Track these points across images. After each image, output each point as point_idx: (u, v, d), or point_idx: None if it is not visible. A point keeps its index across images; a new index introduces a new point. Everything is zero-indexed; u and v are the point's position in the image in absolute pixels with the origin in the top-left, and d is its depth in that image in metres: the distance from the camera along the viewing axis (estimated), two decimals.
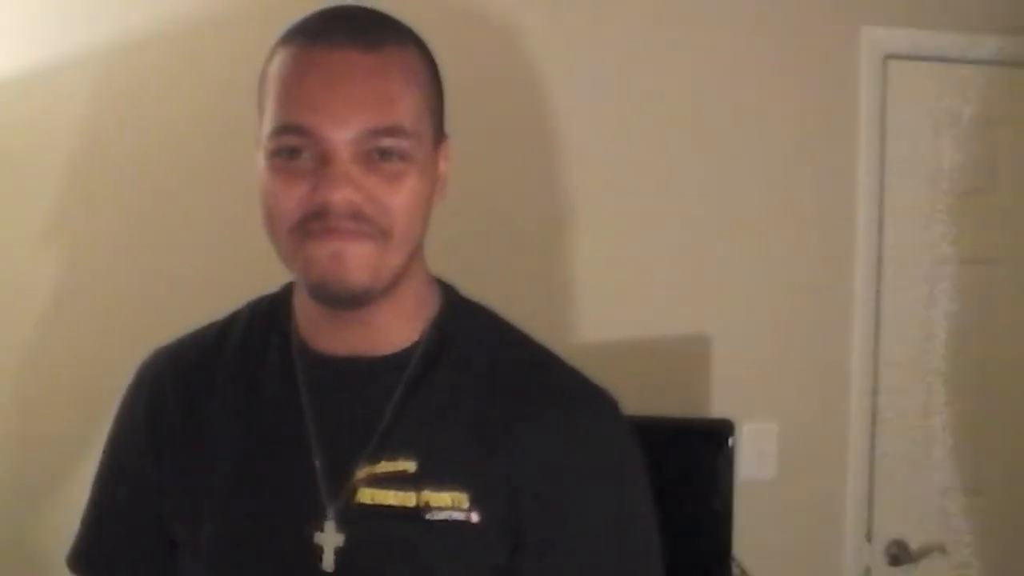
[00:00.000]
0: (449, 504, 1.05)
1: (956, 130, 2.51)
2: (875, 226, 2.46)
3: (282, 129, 1.02)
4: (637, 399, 2.26)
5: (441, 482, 1.05)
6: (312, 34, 1.04)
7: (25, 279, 2.06)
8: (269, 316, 1.19)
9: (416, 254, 1.12)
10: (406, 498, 1.05)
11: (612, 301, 2.32)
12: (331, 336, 1.11)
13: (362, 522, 1.05)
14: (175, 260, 2.12)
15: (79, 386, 2.08)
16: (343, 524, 1.05)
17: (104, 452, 1.23)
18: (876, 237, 2.46)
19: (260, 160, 1.04)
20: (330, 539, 1.05)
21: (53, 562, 2.07)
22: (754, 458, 2.39)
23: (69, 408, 2.07)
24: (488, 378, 1.11)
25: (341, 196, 0.99)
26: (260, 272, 2.17)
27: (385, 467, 1.06)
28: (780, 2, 2.40)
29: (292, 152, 1.01)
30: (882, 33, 2.45)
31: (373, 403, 1.09)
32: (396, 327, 1.11)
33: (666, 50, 2.34)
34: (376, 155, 1.01)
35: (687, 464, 2.00)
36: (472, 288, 2.28)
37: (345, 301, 1.04)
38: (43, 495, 2.07)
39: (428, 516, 1.04)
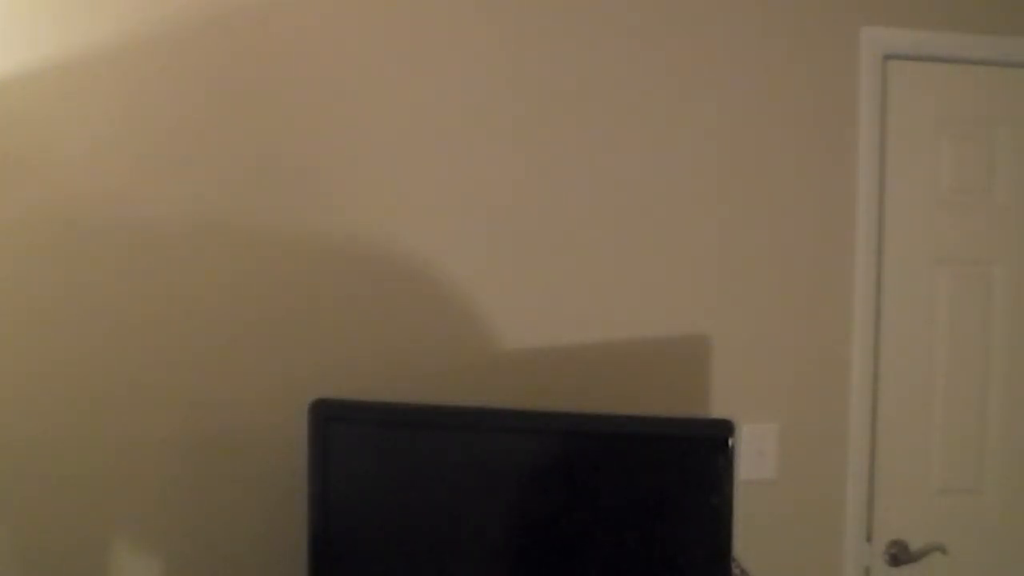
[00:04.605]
0: None
1: (956, 130, 2.51)
2: (875, 226, 2.46)
3: None
4: (637, 399, 2.28)
5: None
6: None
7: (26, 279, 2.06)
8: None
9: None
10: None
11: (612, 301, 2.32)
12: None
13: None
14: (176, 260, 2.12)
15: (79, 386, 2.08)
16: None
17: None
18: (876, 237, 2.46)
19: None
20: None
21: (54, 562, 2.08)
22: (754, 458, 2.39)
23: (69, 408, 2.08)
24: None
25: None
26: (261, 270, 2.19)
27: None
28: (780, 2, 2.40)
29: None
30: (882, 33, 2.45)
31: None
32: None
33: (666, 50, 2.34)
34: None
35: (687, 464, 2.00)
36: (474, 290, 2.30)
37: None
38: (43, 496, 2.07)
39: None
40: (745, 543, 2.17)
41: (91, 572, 2.10)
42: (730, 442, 1.97)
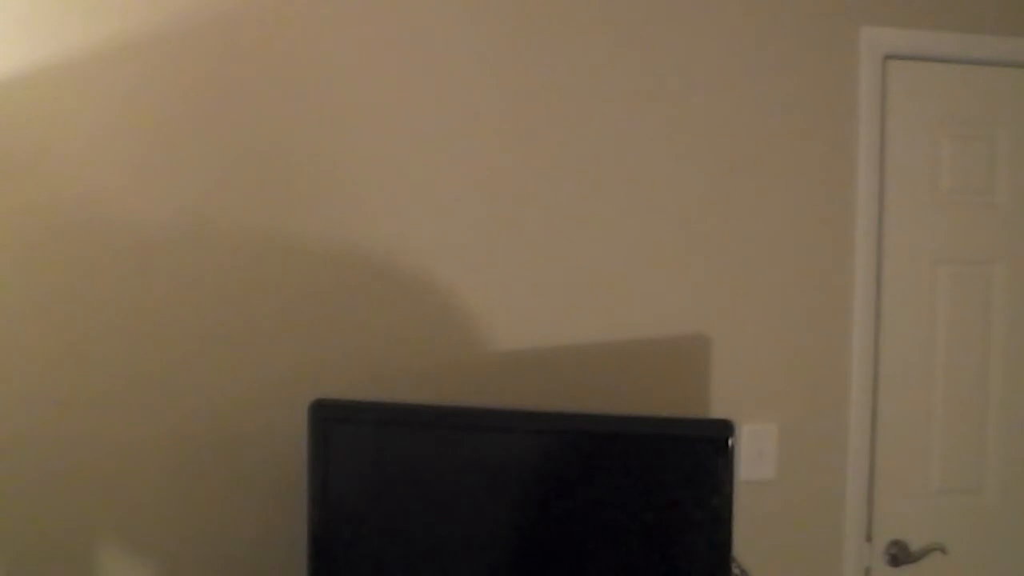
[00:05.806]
0: None
1: (956, 130, 2.51)
2: (875, 226, 2.46)
3: None
4: (637, 399, 2.28)
5: None
6: None
7: (24, 279, 2.06)
8: None
9: None
10: None
11: (612, 301, 2.32)
12: None
13: None
14: (175, 259, 2.12)
15: (77, 385, 2.08)
16: None
17: None
18: (876, 237, 2.46)
19: None
20: None
21: (52, 562, 2.08)
22: (754, 458, 2.39)
23: (67, 408, 2.08)
24: None
25: None
26: (261, 270, 2.19)
27: None
28: (780, 2, 2.40)
29: None
30: (882, 33, 2.45)
31: None
32: None
33: (666, 50, 2.34)
34: None
35: (687, 464, 2.00)
36: (474, 290, 2.30)
37: None
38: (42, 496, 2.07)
39: None
40: (745, 543, 2.17)
41: (89, 572, 2.10)
42: (730, 442, 1.97)
